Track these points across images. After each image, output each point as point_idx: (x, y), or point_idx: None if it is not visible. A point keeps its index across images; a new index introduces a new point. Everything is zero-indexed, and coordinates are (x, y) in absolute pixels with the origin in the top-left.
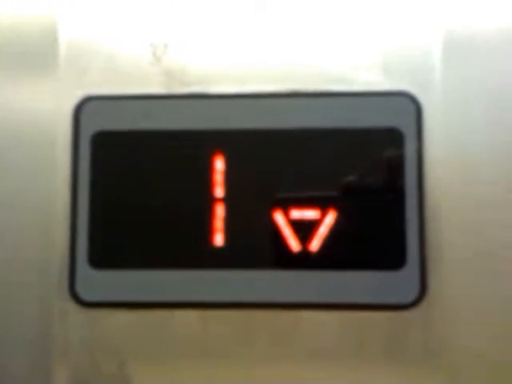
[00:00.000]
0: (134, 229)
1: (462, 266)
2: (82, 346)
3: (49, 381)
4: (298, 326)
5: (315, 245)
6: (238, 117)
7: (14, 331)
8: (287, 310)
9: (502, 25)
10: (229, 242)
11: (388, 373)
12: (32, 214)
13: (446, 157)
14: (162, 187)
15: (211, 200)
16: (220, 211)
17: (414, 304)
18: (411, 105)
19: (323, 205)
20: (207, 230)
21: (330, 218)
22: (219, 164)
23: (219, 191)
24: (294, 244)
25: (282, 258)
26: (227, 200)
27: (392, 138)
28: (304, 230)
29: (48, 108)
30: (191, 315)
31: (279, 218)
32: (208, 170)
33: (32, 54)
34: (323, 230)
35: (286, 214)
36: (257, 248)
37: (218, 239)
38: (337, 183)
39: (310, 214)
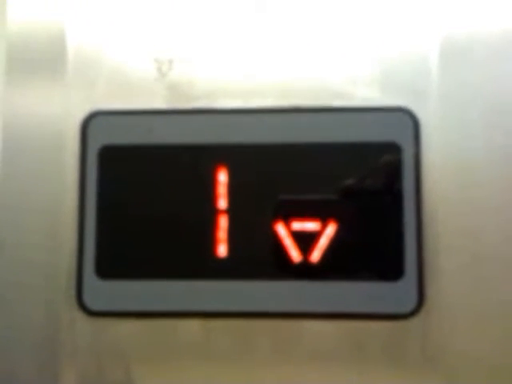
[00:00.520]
0: (139, 240)
1: (459, 274)
2: (89, 354)
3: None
4: (298, 335)
5: (316, 256)
6: (241, 131)
7: (22, 336)
8: (288, 320)
9: (498, 30)
10: (231, 252)
11: (387, 381)
12: (40, 225)
13: (444, 169)
14: (167, 199)
15: (214, 212)
16: (223, 223)
17: (412, 313)
18: (409, 119)
19: (324, 216)
20: (210, 241)
21: (331, 230)
22: (222, 177)
23: (222, 203)
24: (295, 255)
25: (284, 269)
26: (230, 212)
27: (390, 151)
28: (305, 241)
29: (56, 116)
30: (194, 324)
31: (281, 229)
32: (211, 182)
33: (40, 61)
34: (324, 241)
35: (288, 226)
36: (259, 259)
37: (221, 250)
38: (337, 195)
39: (311, 225)
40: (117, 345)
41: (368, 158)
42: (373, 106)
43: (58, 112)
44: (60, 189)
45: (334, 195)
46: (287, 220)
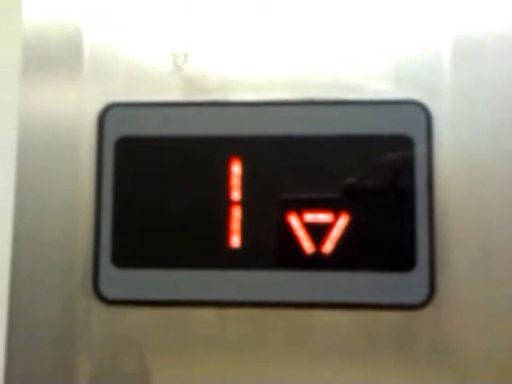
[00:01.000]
0: (154, 230)
1: (470, 267)
2: (105, 342)
3: (72, 375)
4: (311, 324)
5: (328, 247)
6: (255, 123)
7: (39, 326)
8: (301, 310)
9: (509, 28)
10: (245, 243)
11: (398, 370)
12: (57, 215)
13: (455, 163)
14: (181, 190)
15: (228, 203)
16: (237, 214)
17: (423, 304)
18: (421, 112)
19: (336, 208)
20: (224, 232)
21: (343, 221)
22: (236, 168)
23: (236, 194)
24: (307, 246)
25: (297, 260)
26: (244, 203)
27: (402, 144)
28: (317, 232)
29: (72, 112)
30: (209, 313)
31: (294, 220)
32: (225, 174)
33: (57, 59)
34: (336, 233)
35: (300, 217)
36: (272, 249)
37: (235, 241)
38: (349, 187)
39: (324, 217)
40: (132, 333)
41: (380, 150)
42: (385, 100)
43: (75, 107)
44: (77, 180)
45: (346, 187)
46: (300, 212)
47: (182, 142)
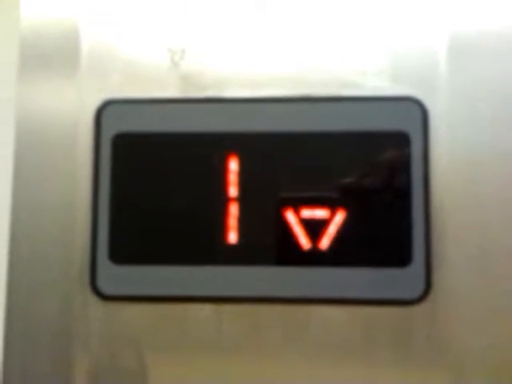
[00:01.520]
0: (152, 226)
1: (466, 263)
2: (102, 338)
3: (70, 371)
4: (308, 320)
5: (325, 243)
6: (252, 120)
7: (37, 322)
8: (298, 305)
9: (506, 26)
10: (242, 239)
11: (394, 365)
12: (55, 211)
13: (451, 158)
14: (178, 187)
15: (225, 199)
16: (234, 210)
17: (419, 300)
18: (417, 109)
19: (332, 204)
20: (221, 228)
21: (339, 217)
22: (233, 165)
23: (233, 191)
24: (304, 242)
25: (293, 256)
26: (241, 199)
27: (399, 140)
28: (314, 228)
29: (70, 109)
30: (206, 309)
31: (290, 216)
32: (222, 170)
33: (54, 56)
34: (332, 229)
35: (297, 213)
36: (269, 245)
37: (232, 237)
38: (345, 183)
39: (320, 213)
40: (129, 329)
41: (377, 146)
42: (382, 96)
43: (72, 103)
44: (74, 176)
45: (343, 183)
46: (297, 208)
47: (179, 139)
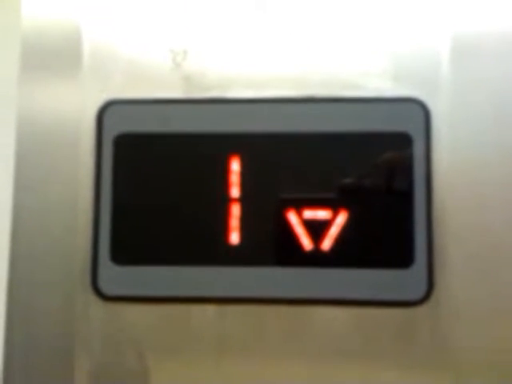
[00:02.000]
0: (154, 227)
1: (468, 264)
2: (103, 338)
3: (71, 371)
4: (310, 321)
5: (327, 244)
6: (254, 120)
7: (39, 322)
8: (300, 306)
9: (508, 27)
10: (244, 240)
11: (396, 366)
12: (56, 212)
13: (453, 158)
14: (180, 187)
15: (227, 200)
16: (236, 211)
17: (421, 301)
18: (420, 110)
19: (335, 205)
20: (223, 229)
21: (342, 218)
22: (235, 165)
23: (235, 191)
24: (306, 243)
25: (295, 256)
26: (243, 200)
27: (401, 141)
28: (316, 229)
29: (72, 110)
30: (208, 309)
31: (292, 217)
32: (224, 171)
33: (56, 57)
34: (334, 230)
35: (299, 214)
36: (271, 246)
37: (234, 237)
38: (348, 184)
39: (322, 214)
40: (131, 330)
41: (379, 147)
42: (384, 97)
43: (74, 104)
44: (76, 177)
45: (345, 184)
46: (299, 208)
47: (180, 139)
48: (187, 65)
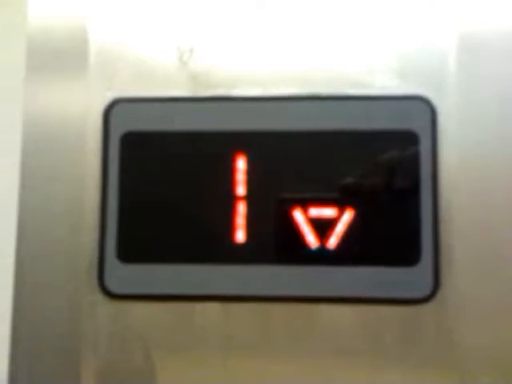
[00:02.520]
0: (160, 225)
1: (475, 262)
2: (110, 337)
3: (78, 370)
4: (315, 319)
5: (333, 242)
6: (260, 118)
7: (45, 320)
8: (305, 304)
9: None
10: (249, 238)
11: (401, 364)
12: (63, 210)
13: (460, 156)
14: (186, 185)
15: (233, 198)
16: (241, 209)
17: (427, 299)
18: (426, 108)
19: (341, 203)
20: (229, 227)
21: (348, 216)
22: (241, 163)
23: (241, 190)
24: (312, 241)
25: (301, 255)
26: (248, 198)
27: (407, 139)
28: (322, 227)
29: (78, 109)
30: (213, 307)
31: (298, 215)
32: (230, 169)
33: (62, 56)
34: (340, 228)
35: (305, 212)
36: (276, 244)
37: (240, 236)
38: (354, 182)
39: (328, 212)
40: (137, 328)
41: (385, 145)
42: (391, 95)
43: (81, 102)
44: (83, 175)
45: (351, 182)
46: (304, 207)
47: (187, 137)
48: (193, 63)
